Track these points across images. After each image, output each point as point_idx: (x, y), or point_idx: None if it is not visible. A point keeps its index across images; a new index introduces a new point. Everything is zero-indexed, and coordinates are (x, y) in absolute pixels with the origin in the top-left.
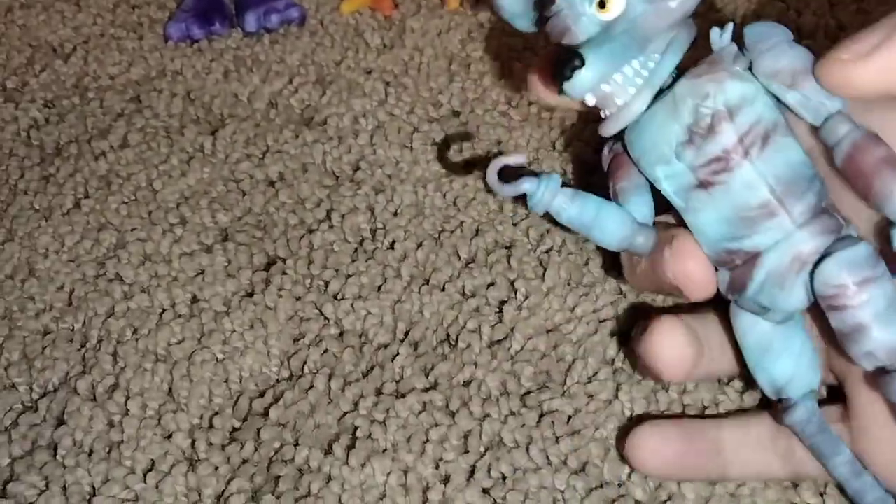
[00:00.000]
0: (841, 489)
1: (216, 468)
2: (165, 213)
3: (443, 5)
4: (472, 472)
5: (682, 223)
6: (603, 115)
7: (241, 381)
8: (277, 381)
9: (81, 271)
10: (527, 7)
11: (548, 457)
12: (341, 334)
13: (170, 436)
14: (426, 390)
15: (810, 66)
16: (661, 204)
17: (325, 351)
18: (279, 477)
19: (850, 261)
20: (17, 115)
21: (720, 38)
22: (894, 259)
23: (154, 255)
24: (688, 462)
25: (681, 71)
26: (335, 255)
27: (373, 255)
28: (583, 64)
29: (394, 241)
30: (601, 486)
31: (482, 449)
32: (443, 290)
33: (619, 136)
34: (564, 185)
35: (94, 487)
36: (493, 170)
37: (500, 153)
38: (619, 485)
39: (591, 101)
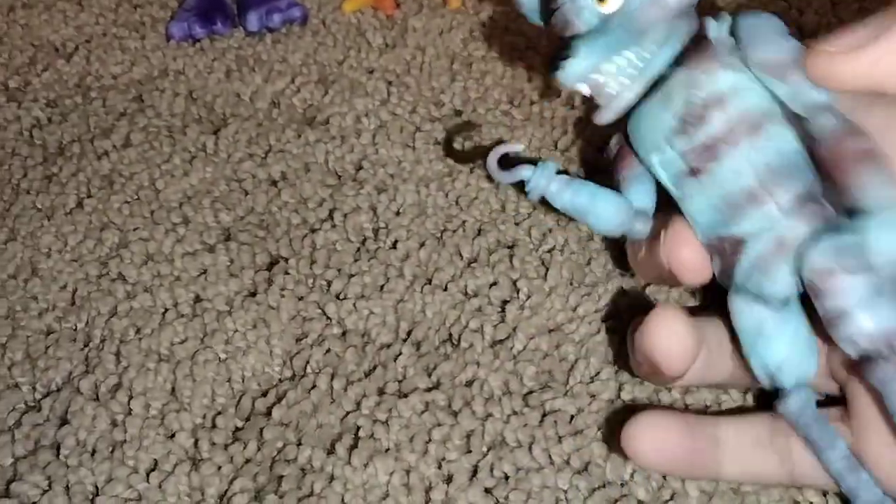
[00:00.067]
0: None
1: (219, 468)
2: (168, 213)
3: (444, 4)
4: (474, 472)
5: (680, 212)
6: (597, 105)
7: (243, 381)
8: (280, 380)
9: (84, 271)
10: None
11: (550, 456)
12: (344, 334)
13: (173, 435)
14: (429, 390)
15: (800, 58)
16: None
17: (328, 350)
18: (282, 476)
19: (836, 248)
20: (20, 115)
21: (716, 29)
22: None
23: (157, 255)
24: (684, 456)
25: (680, 62)
26: (338, 255)
27: (375, 254)
28: (573, 54)
29: (396, 241)
30: (604, 486)
31: (485, 448)
32: (445, 289)
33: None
34: (562, 172)
35: (97, 487)
36: (493, 158)
37: (501, 141)
38: (622, 484)
39: (584, 90)
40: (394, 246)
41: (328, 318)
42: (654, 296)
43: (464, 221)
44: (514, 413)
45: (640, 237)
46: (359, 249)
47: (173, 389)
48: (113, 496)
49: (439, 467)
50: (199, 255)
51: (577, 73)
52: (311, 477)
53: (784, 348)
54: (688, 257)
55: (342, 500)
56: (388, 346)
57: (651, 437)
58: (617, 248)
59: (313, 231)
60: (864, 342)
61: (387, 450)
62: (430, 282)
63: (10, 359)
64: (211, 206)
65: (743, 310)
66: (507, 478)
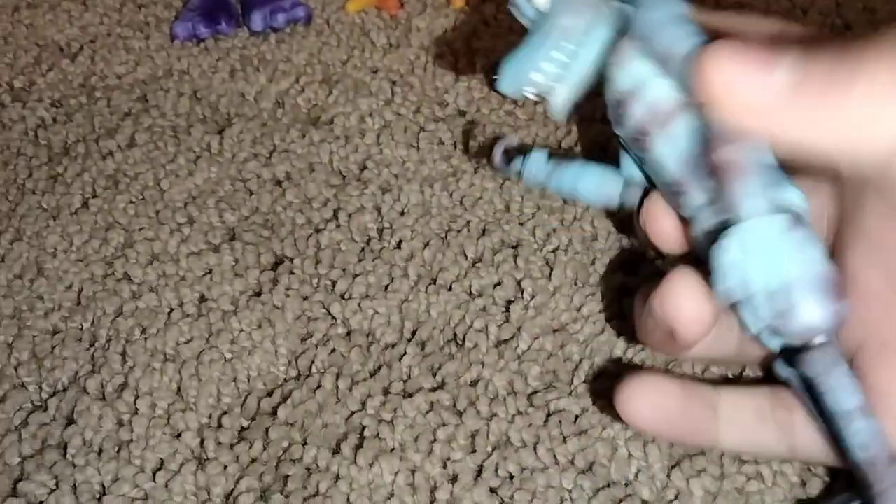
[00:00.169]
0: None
1: (225, 467)
2: (173, 213)
3: (448, 4)
4: (479, 472)
5: None
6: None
7: (249, 381)
8: (285, 380)
9: (90, 271)
10: None
11: (555, 456)
12: (349, 334)
13: (179, 435)
14: (433, 390)
15: (686, 50)
16: None
17: (333, 350)
18: (288, 476)
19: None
20: (25, 115)
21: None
22: None
23: (162, 255)
24: (681, 421)
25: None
26: (342, 255)
27: (380, 254)
28: (504, 64)
29: (400, 241)
30: (608, 486)
31: (490, 448)
32: (450, 289)
33: None
34: (563, 155)
35: (103, 486)
36: (497, 153)
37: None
38: (627, 484)
39: (530, 96)
40: (398, 246)
41: (333, 317)
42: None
43: (468, 221)
44: (519, 413)
45: (630, 207)
46: (363, 249)
47: (179, 389)
48: (120, 495)
49: (444, 467)
50: (204, 255)
51: (512, 82)
52: (316, 476)
53: None
54: (665, 228)
55: (347, 499)
56: (393, 345)
57: (646, 399)
58: (619, 248)
59: (318, 231)
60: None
61: (392, 449)
62: (434, 282)
63: (17, 358)
64: (216, 206)
65: None
66: (511, 477)
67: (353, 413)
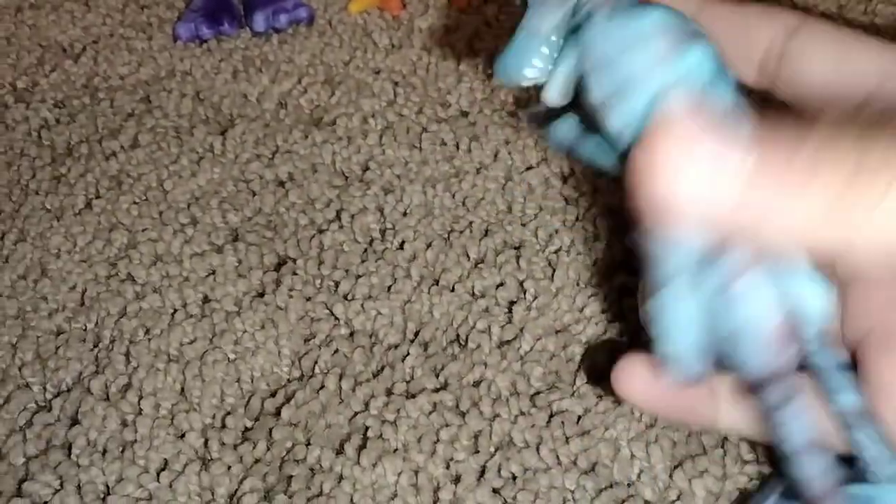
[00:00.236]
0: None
1: (229, 467)
2: (176, 214)
3: (450, 5)
4: (482, 472)
5: None
6: None
7: (252, 381)
8: (289, 380)
9: (93, 271)
10: None
11: (558, 457)
12: (352, 334)
13: (183, 435)
14: (436, 390)
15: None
16: None
17: (336, 351)
18: (291, 476)
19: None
20: (28, 116)
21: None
22: None
23: (165, 256)
24: (679, 400)
25: None
26: (345, 256)
27: (382, 255)
28: (502, 54)
29: (403, 242)
30: (611, 486)
31: (492, 449)
32: (452, 290)
33: None
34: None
35: (108, 486)
36: (530, 118)
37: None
38: (629, 485)
39: (528, 83)
40: (401, 247)
41: (336, 318)
42: None
43: (471, 222)
44: (522, 413)
45: None
46: (366, 250)
47: (183, 390)
48: (124, 496)
49: (447, 467)
50: (208, 256)
51: (508, 76)
52: (320, 477)
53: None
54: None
55: (351, 500)
56: (396, 346)
57: (642, 376)
58: (621, 248)
59: (321, 232)
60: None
61: (395, 450)
62: (437, 282)
63: (21, 359)
64: (219, 207)
65: None
66: (514, 478)
67: (356, 413)
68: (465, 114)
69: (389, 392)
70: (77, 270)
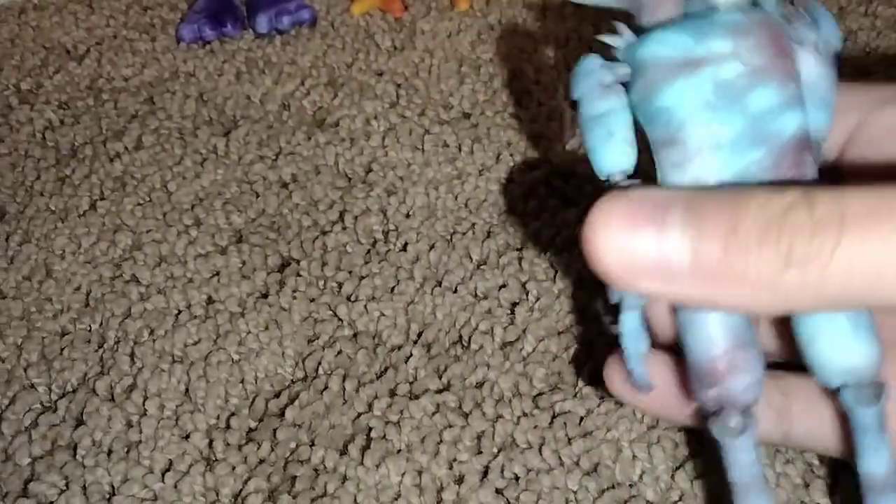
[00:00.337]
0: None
1: (233, 468)
2: (180, 215)
3: (453, 7)
4: (485, 473)
5: None
6: None
7: (256, 382)
8: (292, 381)
9: (98, 272)
10: None
11: (560, 458)
12: (355, 335)
13: (187, 436)
14: (439, 391)
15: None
16: None
17: (340, 352)
18: (295, 477)
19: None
20: (32, 117)
21: None
22: None
23: (169, 257)
24: (675, 399)
25: None
26: (348, 257)
27: (385, 256)
28: None
29: (406, 243)
30: (613, 487)
31: (495, 450)
32: (455, 291)
33: None
34: None
35: (113, 487)
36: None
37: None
38: (631, 485)
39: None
40: (404, 248)
41: (339, 319)
42: None
43: (473, 224)
44: (525, 414)
45: None
46: (369, 251)
47: (187, 390)
48: (129, 496)
49: (450, 468)
50: (212, 257)
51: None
52: (324, 477)
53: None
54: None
55: (355, 500)
56: (399, 347)
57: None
58: None
59: (324, 233)
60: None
61: (398, 451)
62: (440, 284)
63: (26, 360)
64: (222, 208)
65: None
66: (517, 479)
67: (359, 414)
68: (467, 116)
69: (393, 393)
70: (82, 271)
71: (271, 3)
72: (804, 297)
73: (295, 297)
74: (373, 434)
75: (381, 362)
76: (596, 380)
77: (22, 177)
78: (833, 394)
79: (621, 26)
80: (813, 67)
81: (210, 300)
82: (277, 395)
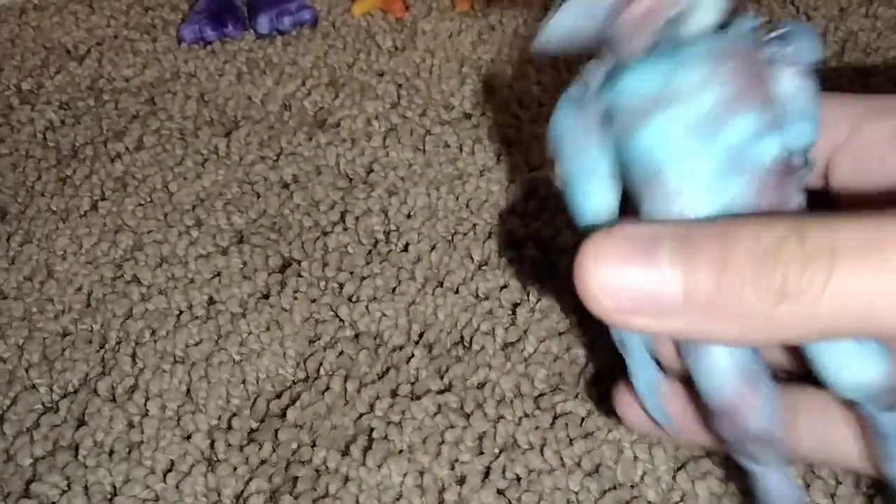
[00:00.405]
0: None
1: (235, 469)
2: (181, 215)
3: (453, 7)
4: (487, 474)
5: None
6: None
7: (258, 383)
8: (294, 382)
9: (99, 273)
10: None
11: (562, 458)
12: (356, 336)
13: (189, 436)
14: (441, 392)
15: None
16: None
17: (341, 353)
18: (297, 477)
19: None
20: (33, 117)
21: None
22: None
23: (170, 257)
24: (695, 427)
25: None
26: (350, 258)
27: (387, 257)
28: None
29: (407, 244)
30: (614, 488)
31: (497, 450)
32: (456, 292)
33: None
34: None
35: (115, 487)
36: None
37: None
38: (632, 486)
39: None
40: (405, 248)
41: (341, 320)
42: None
43: (474, 224)
44: (526, 415)
45: None
46: (370, 252)
47: (189, 391)
48: (131, 496)
49: (452, 469)
50: (213, 258)
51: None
52: (325, 478)
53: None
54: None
55: (356, 500)
56: (401, 348)
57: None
58: None
59: (325, 234)
60: None
61: (400, 451)
62: (441, 284)
63: (28, 360)
64: (223, 209)
65: None
66: (518, 479)
67: (361, 415)
68: (468, 116)
69: (394, 393)
70: (83, 272)
71: (272, 3)
72: (797, 329)
73: (296, 298)
74: (374, 435)
75: (382, 363)
76: (597, 381)
77: (23, 177)
78: (852, 404)
79: (595, 64)
80: (791, 82)
81: (211, 301)
82: (279, 396)
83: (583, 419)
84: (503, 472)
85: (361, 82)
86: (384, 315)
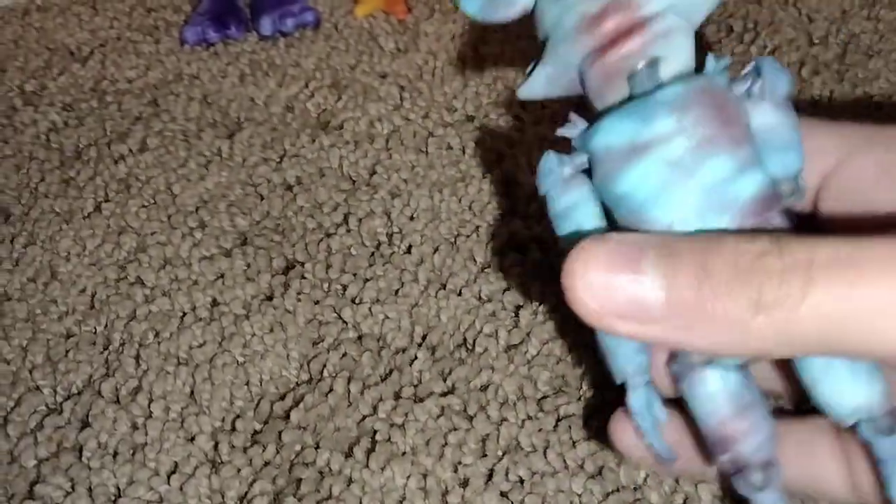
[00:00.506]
0: None
1: (239, 470)
2: (185, 217)
3: (456, 9)
4: (490, 476)
5: None
6: None
7: (261, 384)
8: (297, 384)
9: (103, 275)
10: None
11: (565, 461)
12: (360, 338)
13: (192, 438)
14: (444, 394)
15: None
16: None
17: (344, 355)
18: (301, 479)
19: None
20: (37, 119)
21: None
22: None
23: (174, 259)
24: (695, 457)
25: None
26: (353, 259)
27: (390, 259)
28: None
29: (410, 246)
30: (618, 490)
31: (500, 453)
32: (459, 294)
33: None
34: None
35: (119, 489)
36: None
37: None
38: (636, 489)
39: None
40: (408, 251)
41: (344, 322)
42: None
43: (477, 227)
44: (529, 418)
45: None
46: (373, 254)
47: (192, 393)
48: (135, 498)
49: (455, 471)
50: (216, 260)
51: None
52: (329, 480)
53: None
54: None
55: (360, 502)
56: (404, 350)
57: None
58: None
59: (328, 235)
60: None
61: (403, 453)
62: (444, 286)
63: (31, 362)
64: (227, 211)
65: None
66: (522, 482)
67: (364, 417)
68: (471, 118)
69: (397, 396)
70: (86, 274)
71: (275, 5)
72: (775, 342)
73: (299, 300)
74: (377, 437)
75: (385, 365)
76: (599, 383)
77: (26, 179)
78: (850, 430)
79: (574, 116)
80: (768, 116)
81: (215, 302)
82: (282, 398)
83: (586, 421)
84: (506, 474)
85: (364, 84)
86: (387, 317)
